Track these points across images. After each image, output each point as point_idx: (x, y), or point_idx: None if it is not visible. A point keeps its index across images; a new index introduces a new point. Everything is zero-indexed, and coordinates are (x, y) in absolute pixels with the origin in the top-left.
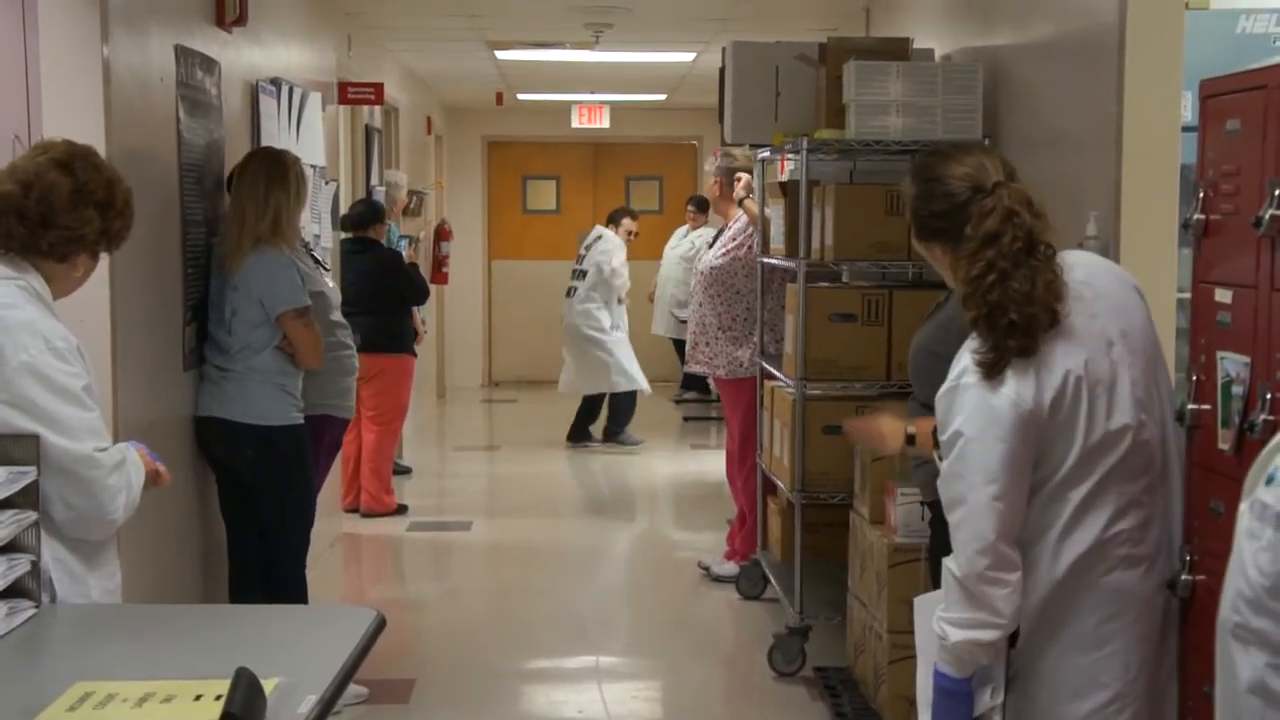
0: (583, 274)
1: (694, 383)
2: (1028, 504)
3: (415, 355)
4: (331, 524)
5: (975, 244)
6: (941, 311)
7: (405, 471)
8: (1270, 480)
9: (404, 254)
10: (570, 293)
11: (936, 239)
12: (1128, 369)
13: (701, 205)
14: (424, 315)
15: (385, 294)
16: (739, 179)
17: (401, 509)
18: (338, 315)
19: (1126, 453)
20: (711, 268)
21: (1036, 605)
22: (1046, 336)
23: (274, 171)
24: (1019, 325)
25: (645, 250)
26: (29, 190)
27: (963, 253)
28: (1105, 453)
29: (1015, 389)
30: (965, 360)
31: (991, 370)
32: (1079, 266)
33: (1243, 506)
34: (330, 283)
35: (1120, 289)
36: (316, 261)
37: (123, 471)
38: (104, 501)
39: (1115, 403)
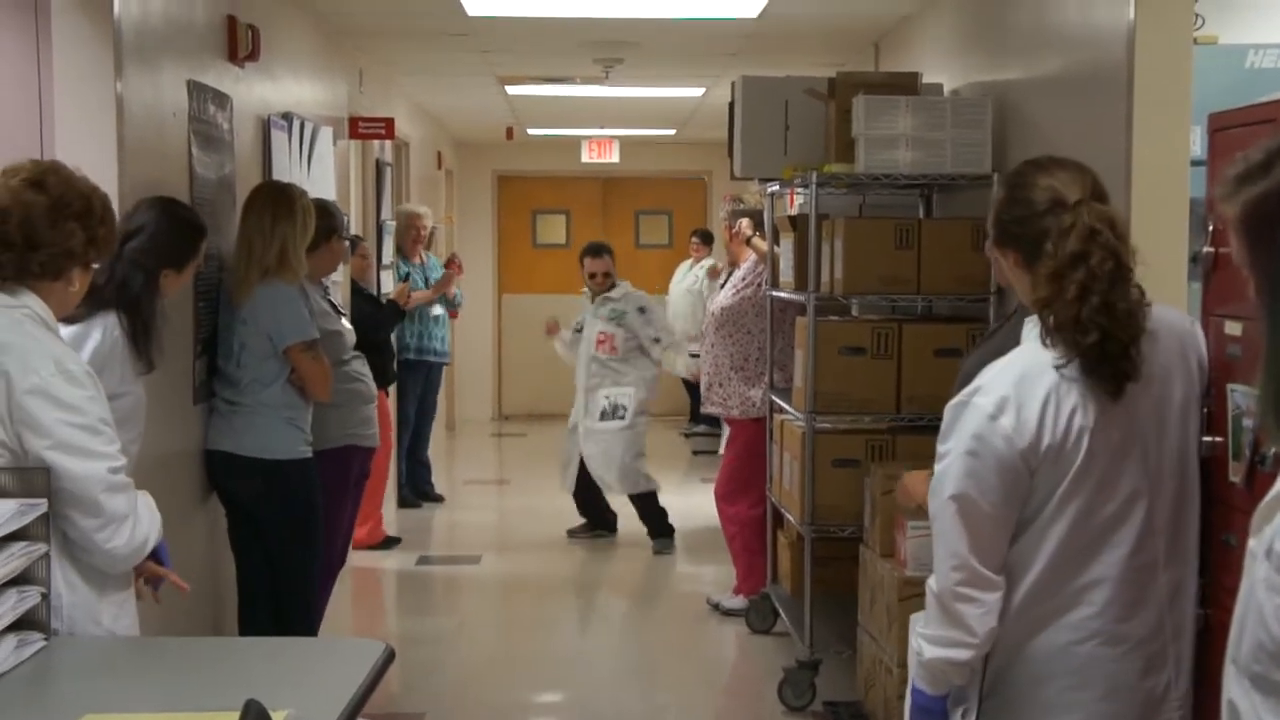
0: None
1: (705, 416)
2: (1012, 542)
3: (384, 391)
4: None
5: (1061, 263)
6: (995, 339)
7: (438, 499)
8: None
9: (396, 286)
10: None
11: (1011, 245)
12: (1141, 438)
13: (705, 238)
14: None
15: None
16: (741, 223)
17: (391, 541)
18: (352, 353)
19: (1116, 521)
20: (722, 308)
21: (1005, 648)
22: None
23: (280, 204)
24: (1129, 347)
25: (656, 285)
26: (8, 216)
27: (1044, 271)
28: (1093, 512)
29: (1014, 423)
30: (983, 378)
31: (1117, 396)
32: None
33: (1252, 544)
34: (346, 324)
35: (1174, 358)
36: (333, 305)
37: (130, 496)
38: (108, 526)
39: (1118, 466)
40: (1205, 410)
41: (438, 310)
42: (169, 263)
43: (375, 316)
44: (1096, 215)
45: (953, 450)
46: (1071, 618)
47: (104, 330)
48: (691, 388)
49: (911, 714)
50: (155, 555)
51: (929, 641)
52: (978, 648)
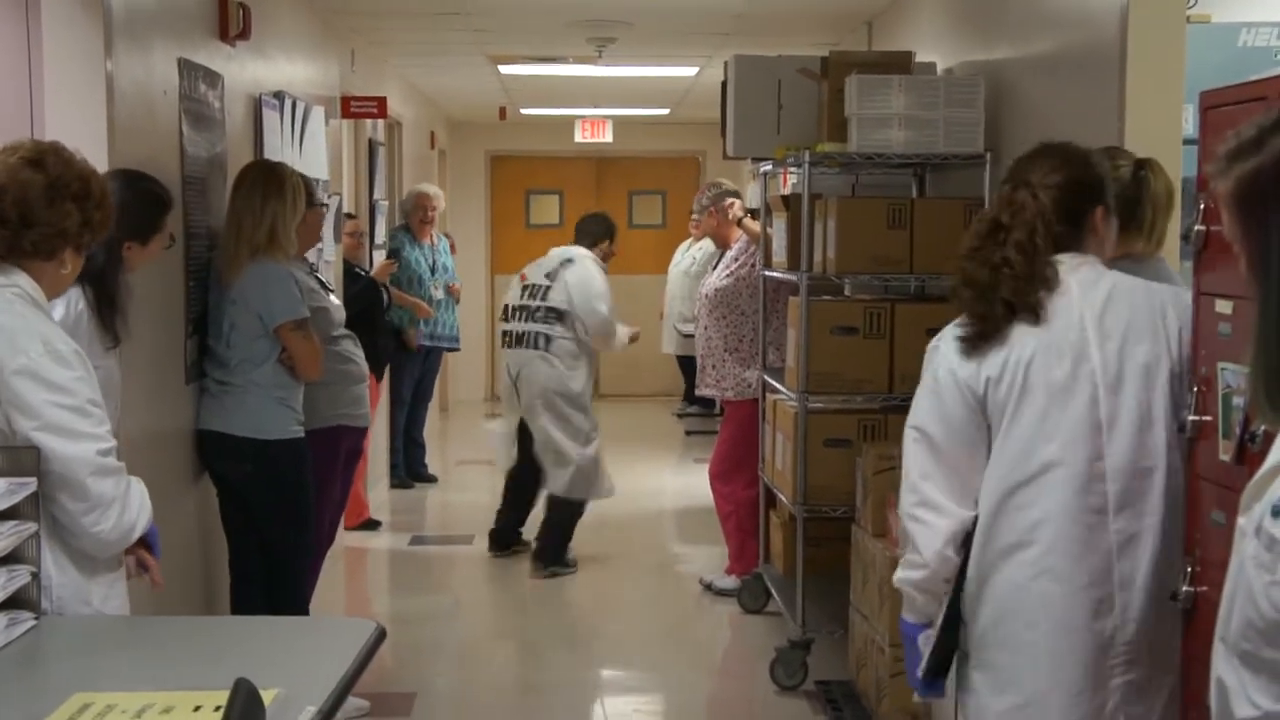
0: (555, 314)
1: (699, 397)
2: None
3: (376, 376)
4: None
5: (983, 223)
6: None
7: (431, 479)
8: (1277, 513)
9: (379, 264)
10: (526, 340)
11: None
12: (1090, 393)
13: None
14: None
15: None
16: (730, 204)
17: (373, 524)
18: (342, 330)
19: (1058, 461)
20: (716, 289)
21: (974, 584)
22: (1015, 324)
23: (270, 182)
24: (992, 307)
25: (649, 265)
26: (4, 192)
27: (970, 229)
28: (1034, 449)
29: (957, 360)
30: (946, 329)
31: (971, 346)
32: (1116, 287)
33: (1241, 522)
34: (334, 300)
35: (1144, 319)
36: (320, 282)
37: (119, 481)
38: (95, 510)
39: (1060, 406)
40: (1195, 389)
41: (440, 294)
42: (132, 235)
43: (349, 291)
44: (1030, 194)
45: (920, 387)
46: (1026, 555)
47: (67, 303)
48: (686, 368)
49: (904, 644)
50: (147, 542)
51: (899, 566)
52: (927, 569)
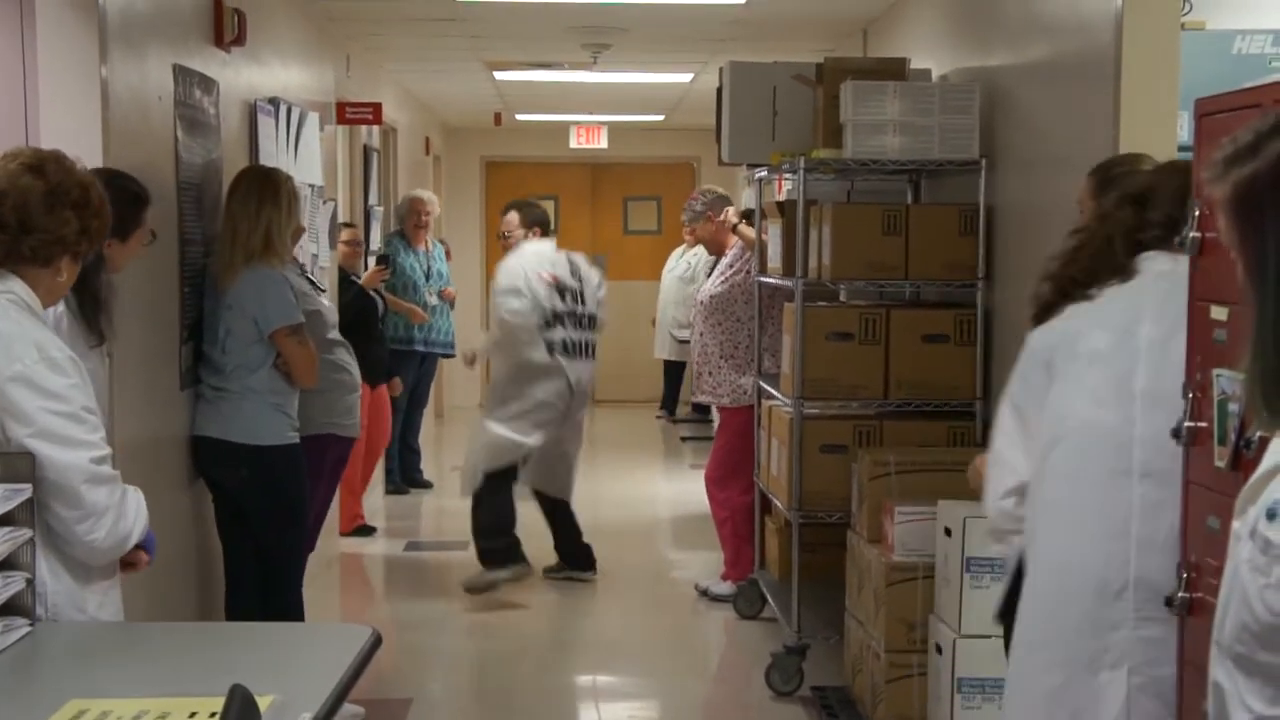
0: (594, 322)
1: (695, 403)
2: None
3: (370, 385)
4: (329, 544)
5: (1072, 235)
6: None
7: (427, 486)
8: (1272, 516)
9: (369, 271)
10: (586, 350)
11: None
12: (1128, 364)
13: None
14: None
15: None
16: (727, 210)
17: (368, 529)
18: (335, 334)
19: (1088, 421)
20: (711, 296)
21: (1027, 540)
22: (1075, 301)
23: (265, 188)
24: (1049, 293)
25: (644, 271)
26: (3, 197)
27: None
28: (1067, 408)
29: (1033, 334)
30: None
31: (1040, 316)
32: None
33: (1236, 525)
34: (327, 302)
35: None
36: (312, 283)
37: (114, 489)
38: (89, 519)
39: (1096, 372)
40: (1190, 395)
41: (435, 300)
42: (112, 232)
43: (341, 299)
44: (1114, 208)
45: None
46: (1054, 509)
47: None
48: (671, 375)
49: None
50: (144, 547)
51: None
52: (989, 516)
